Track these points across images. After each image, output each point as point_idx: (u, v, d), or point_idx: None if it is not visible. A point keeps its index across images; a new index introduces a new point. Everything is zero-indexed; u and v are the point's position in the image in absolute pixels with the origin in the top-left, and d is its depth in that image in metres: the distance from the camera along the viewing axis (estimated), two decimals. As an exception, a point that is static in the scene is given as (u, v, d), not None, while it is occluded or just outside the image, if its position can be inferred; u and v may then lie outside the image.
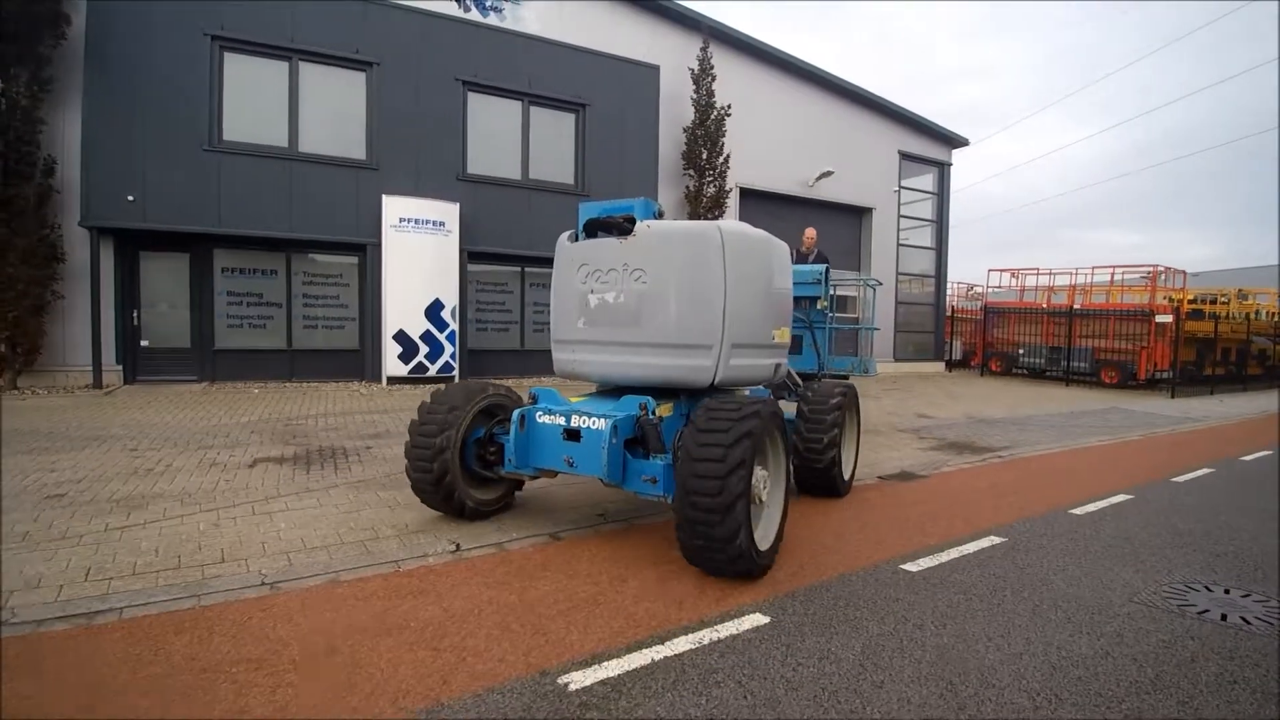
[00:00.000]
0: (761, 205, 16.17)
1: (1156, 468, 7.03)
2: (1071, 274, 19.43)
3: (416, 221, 11.23)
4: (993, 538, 4.27)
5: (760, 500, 3.49)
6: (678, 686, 2.48)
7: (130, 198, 10.19)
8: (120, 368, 10.67)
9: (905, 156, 18.70)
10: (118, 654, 2.64)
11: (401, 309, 11.21)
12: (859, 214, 18.36)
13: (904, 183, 18.85)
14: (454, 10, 12.22)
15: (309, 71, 11.37)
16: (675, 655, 2.70)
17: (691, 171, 14.27)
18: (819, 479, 4.99)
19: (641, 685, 2.48)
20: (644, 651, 2.72)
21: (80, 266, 10.25)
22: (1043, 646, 2.86)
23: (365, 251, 11.52)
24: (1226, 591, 3.56)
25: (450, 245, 11.55)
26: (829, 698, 2.43)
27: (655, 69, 13.79)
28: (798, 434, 4.89)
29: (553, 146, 13.12)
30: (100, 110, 9.99)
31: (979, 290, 22.69)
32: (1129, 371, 16.49)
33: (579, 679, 2.51)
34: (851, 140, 17.53)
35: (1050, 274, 19.84)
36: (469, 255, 12.33)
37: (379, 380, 11.33)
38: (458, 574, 3.54)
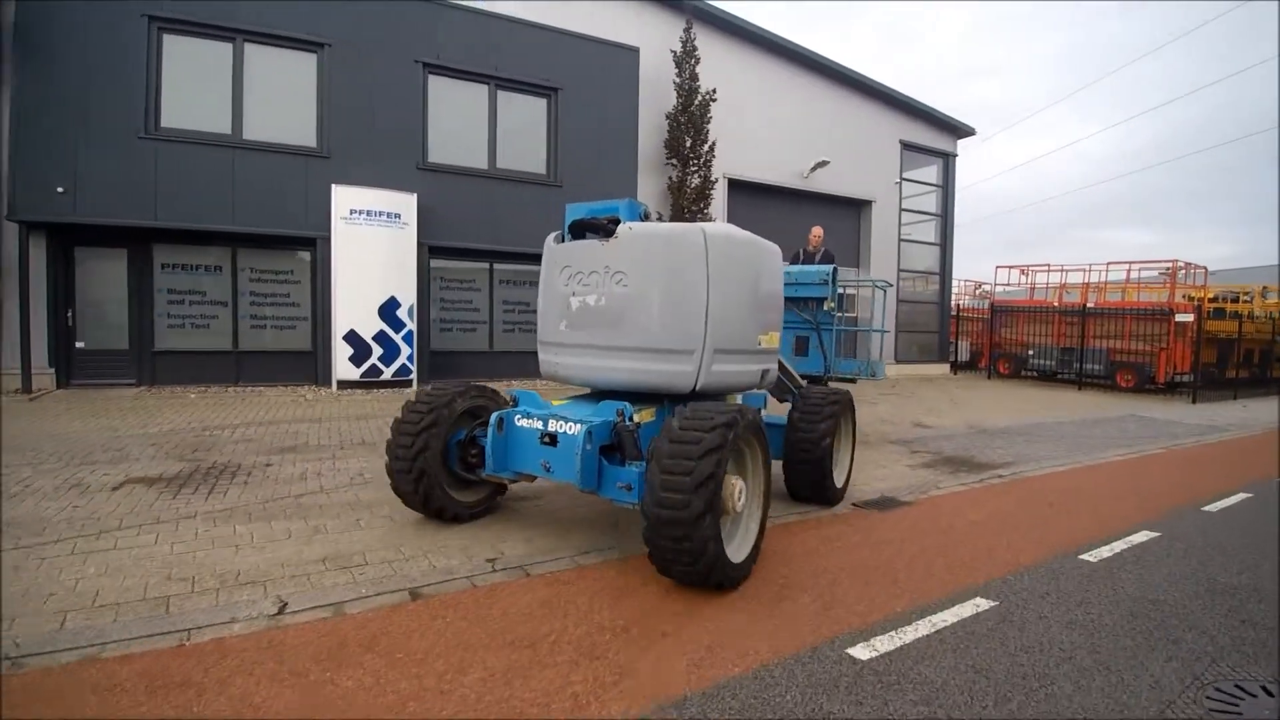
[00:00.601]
0: (752, 198, 15.22)
1: (1184, 491, 6.04)
2: (1085, 270, 18.32)
3: (369, 213, 10.38)
4: (979, 600, 3.31)
5: (734, 510, 3.33)
6: None
7: (60, 189, 9.41)
8: (53, 371, 9.91)
9: (907, 146, 17.66)
10: None
11: (353, 308, 10.36)
12: (858, 207, 17.34)
13: (906, 174, 17.81)
14: (414, -13, 11.37)
15: (255, 53, 10.55)
16: None
17: (674, 161, 13.34)
18: (810, 487, 4.87)
19: None
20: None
21: (9, 263, 9.51)
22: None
23: (316, 246, 10.69)
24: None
25: (407, 239, 10.69)
26: None
27: (634, 51, 12.86)
28: (788, 441, 4.78)
29: (523, 134, 12.23)
30: (29, 96, 9.22)
31: (987, 288, 21.59)
32: (1146, 374, 15.39)
33: None
34: (849, 129, 16.52)
35: (1062, 270, 18.73)
36: (431, 250, 11.47)
37: (330, 384, 10.49)
38: (265, 660, 2.65)
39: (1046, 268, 19.06)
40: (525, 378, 11.86)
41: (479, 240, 11.75)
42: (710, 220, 13.44)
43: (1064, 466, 7.03)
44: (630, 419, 3.70)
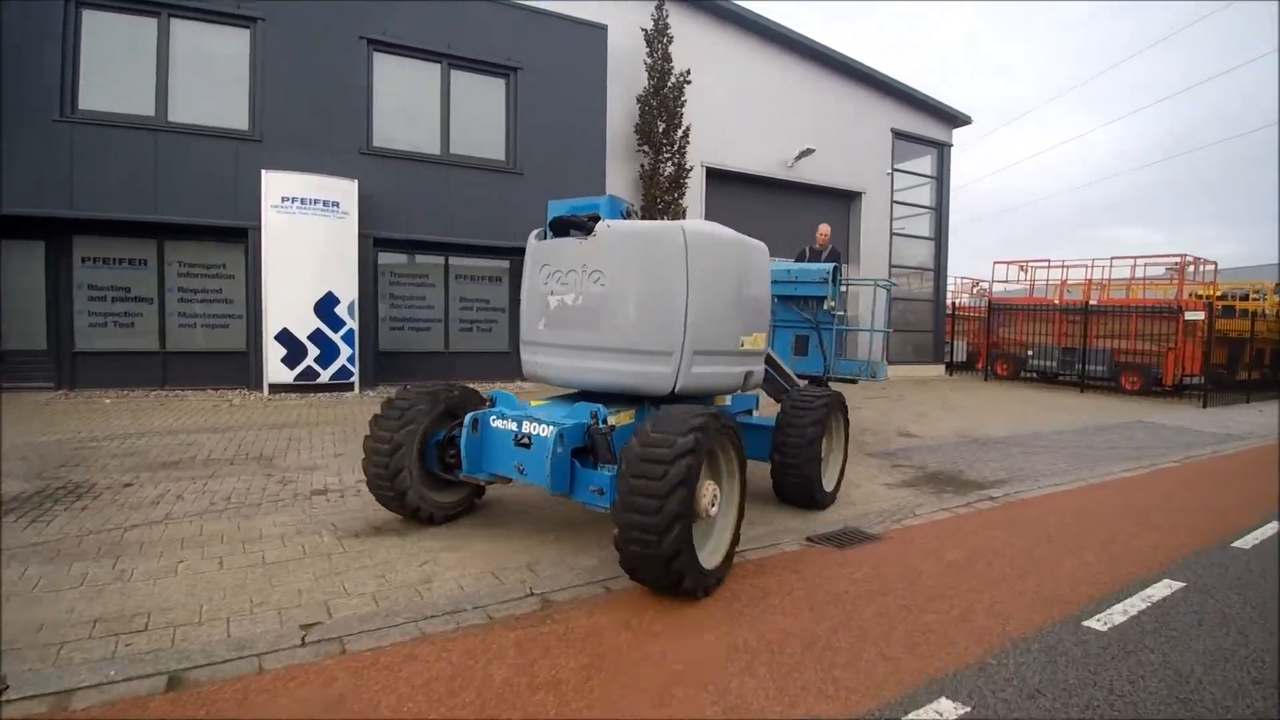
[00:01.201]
0: (732, 188, 14.31)
1: (1207, 519, 5.12)
2: (1087, 266, 17.36)
3: (303, 201, 9.48)
4: (942, 705, 2.37)
5: (708, 515, 3.28)
6: None
7: (-38, 176, 8.55)
8: (-37, 374, 9.03)
9: (899, 135, 16.73)
10: None
11: (286, 304, 9.46)
12: (847, 199, 16.41)
13: (898, 165, 16.88)
14: (358, -43, 10.47)
15: (182, 30, 9.67)
16: None
17: (646, 148, 12.43)
18: (797, 490, 4.72)
19: None
20: None
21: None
22: None
23: (248, 237, 9.79)
24: None
25: (347, 229, 9.78)
26: None
27: (602, 29, 11.95)
28: (775, 442, 4.67)
29: (479, 117, 11.33)
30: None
31: (984, 286, 20.65)
32: (1153, 376, 14.46)
33: None
34: (837, 116, 15.58)
35: (1063, 266, 17.77)
36: (377, 243, 10.58)
37: (261, 388, 9.59)
38: None
39: (1047, 263, 18.12)
40: (484, 380, 10.95)
41: (431, 232, 10.85)
42: (684, 211, 12.55)
43: (1064, 485, 6.12)
44: (604, 421, 3.63)
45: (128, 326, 9.85)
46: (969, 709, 2.33)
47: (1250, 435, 9.65)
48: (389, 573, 3.50)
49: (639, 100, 12.40)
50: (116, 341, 9.76)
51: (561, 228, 4.08)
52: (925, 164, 17.81)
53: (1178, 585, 3.63)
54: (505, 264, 11.79)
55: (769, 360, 5.91)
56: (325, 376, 9.70)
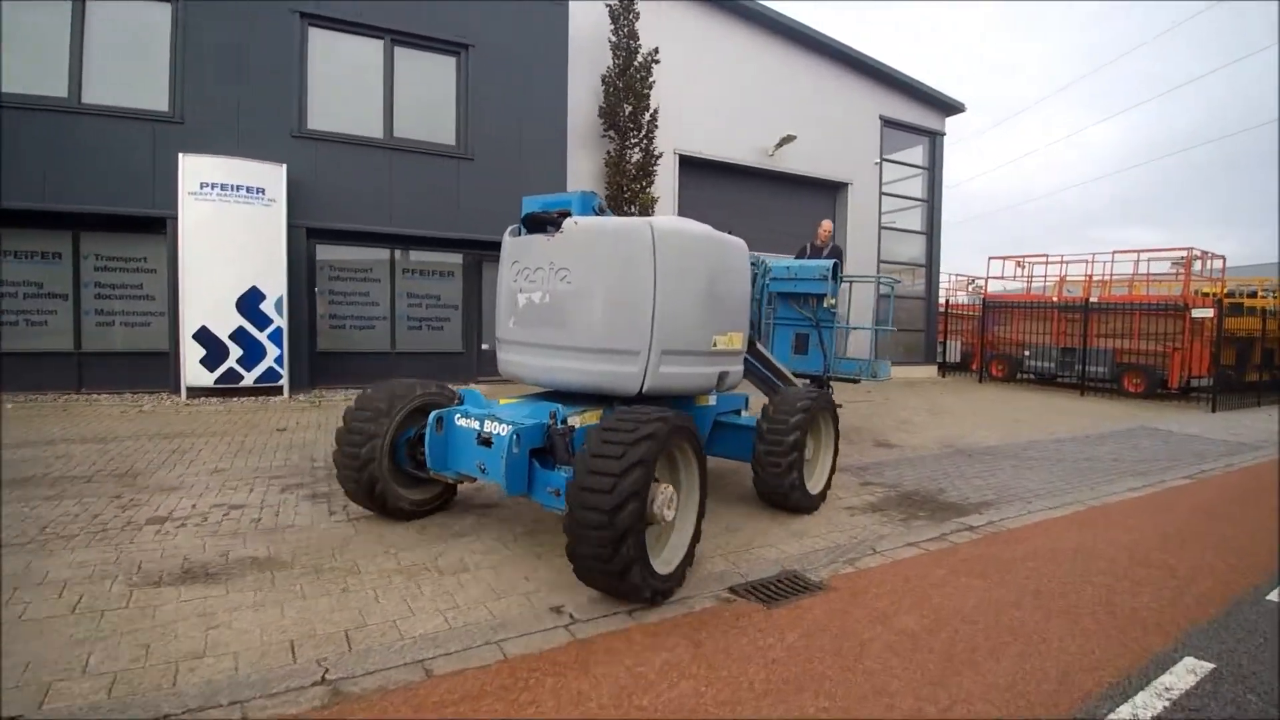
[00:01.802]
0: (707, 176, 13.43)
1: (1229, 558, 4.24)
2: (1088, 261, 16.45)
3: (224, 187, 8.62)
4: None
5: (664, 520, 3.12)
6: None
7: None
8: None
9: (888, 123, 15.83)
10: None
11: (205, 300, 8.61)
12: (832, 190, 15.51)
13: (887, 155, 15.98)
14: (292, -78, 9.61)
15: (98, 4, 8.82)
16: None
17: (612, 133, 11.55)
18: (778, 492, 4.56)
19: None
20: None
21: None
22: None
23: (167, 227, 8.94)
24: None
25: (273, 218, 8.93)
26: None
27: (563, 5, 11.07)
28: (756, 446, 4.54)
29: (426, 98, 10.45)
30: None
31: (979, 283, 19.73)
32: (1158, 378, 13.56)
33: None
34: (821, 102, 14.68)
35: (1062, 262, 16.86)
36: (312, 233, 9.73)
37: (179, 391, 8.74)
38: None
39: (1045, 259, 17.21)
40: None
41: (374, 222, 9.99)
42: (654, 201, 11.67)
43: (1060, 510, 5.25)
44: (563, 421, 3.58)
45: (40, 325, 9.00)
46: None
47: (1265, 444, 8.78)
48: (155, 641, 2.65)
49: (604, 81, 11.53)
50: (28, 341, 8.91)
51: (534, 224, 4.03)
52: (916, 154, 16.91)
53: (1204, 668, 2.73)
54: (458, 258, 10.92)
55: (761, 358, 5.79)
56: (250, 379, 8.85)
